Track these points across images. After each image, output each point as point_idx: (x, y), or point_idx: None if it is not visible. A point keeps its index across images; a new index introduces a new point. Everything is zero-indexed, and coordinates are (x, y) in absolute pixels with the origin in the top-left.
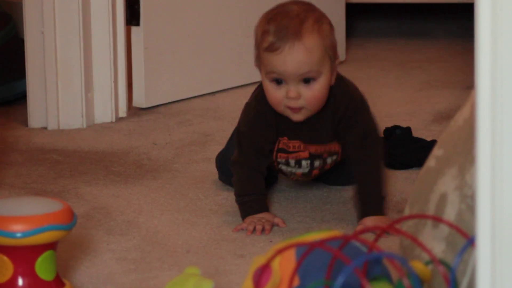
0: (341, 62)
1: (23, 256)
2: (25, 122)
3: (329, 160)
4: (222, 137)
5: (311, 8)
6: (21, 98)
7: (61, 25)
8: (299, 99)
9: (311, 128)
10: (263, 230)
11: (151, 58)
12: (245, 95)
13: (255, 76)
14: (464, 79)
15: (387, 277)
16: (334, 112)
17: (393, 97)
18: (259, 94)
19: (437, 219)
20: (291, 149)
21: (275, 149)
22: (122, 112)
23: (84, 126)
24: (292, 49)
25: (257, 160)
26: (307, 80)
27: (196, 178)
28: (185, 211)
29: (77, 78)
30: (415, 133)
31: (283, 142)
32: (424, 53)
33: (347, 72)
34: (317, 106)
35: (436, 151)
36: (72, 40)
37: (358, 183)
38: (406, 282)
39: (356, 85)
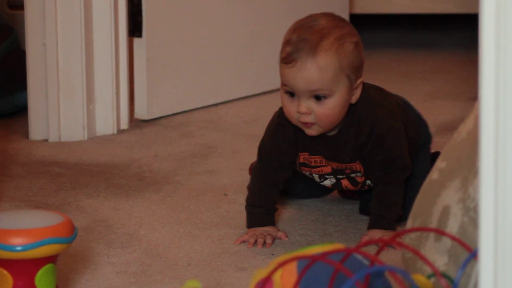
0: None
1: (23, 269)
2: (26, 134)
3: (353, 175)
4: (224, 149)
5: (339, 24)
6: (22, 110)
7: (63, 36)
8: (310, 114)
9: (332, 145)
10: (264, 243)
11: (153, 70)
12: (248, 107)
13: (258, 87)
14: (468, 90)
15: None
16: (357, 133)
17: None
18: (282, 109)
19: (440, 232)
20: (312, 164)
21: (297, 162)
22: (124, 124)
23: (86, 138)
24: (304, 65)
25: (274, 172)
26: (318, 97)
27: (198, 191)
28: (187, 224)
29: (78, 90)
30: None
31: (304, 157)
32: (428, 64)
33: None
34: (329, 124)
35: (439, 163)
36: (74, 51)
37: (376, 198)
38: None
39: (390, 104)
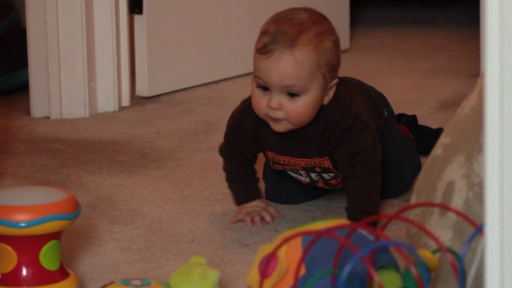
0: (346, 50)
1: (27, 246)
2: (27, 112)
3: (326, 176)
4: (225, 125)
5: (320, 20)
6: (23, 87)
7: (64, 14)
8: (280, 110)
9: (298, 142)
10: (263, 219)
11: (154, 47)
12: (249, 84)
13: None
14: (469, 67)
15: (394, 265)
16: (324, 128)
17: (398, 85)
18: (247, 102)
19: (445, 207)
20: (282, 162)
21: (270, 159)
22: (125, 101)
23: (87, 115)
24: (280, 57)
25: (240, 157)
26: (291, 94)
27: (200, 167)
28: (190, 200)
29: (79, 67)
30: (421, 121)
31: (272, 155)
32: (429, 41)
33: (351, 60)
34: (299, 122)
35: (443, 139)
36: (74, 29)
37: (347, 193)
38: (413, 270)
39: (355, 96)
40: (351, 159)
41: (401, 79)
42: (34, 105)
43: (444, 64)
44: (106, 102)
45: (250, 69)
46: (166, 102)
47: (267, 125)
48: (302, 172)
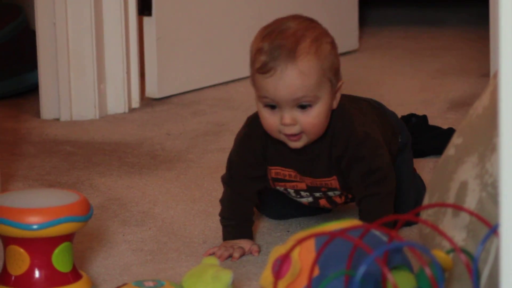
0: (355, 51)
1: (40, 248)
2: (37, 114)
3: (331, 194)
4: (236, 127)
5: (311, 25)
6: (33, 89)
7: (73, 16)
8: (295, 125)
9: (304, 158)
10: (230, 256)
11: (164, 48)
12: None
13: None
14: (478, 66)
15: (407, 266)
16: (331, 146)
17: (407, 85)
18: (251, 117)
19: (458, 208)
20: (287, 178)
21: (270, 178)
22: (135, 103)
23: (97, 117)
24: (285, 72)
25: (244, 185)
26: (303, 106)
27: (211, 168)
28: (201, 202)
29: (89, 69)
30: (431, 121)
31: (276, 171)
32: (438, 41)
33: (360, 61)
34: (316, 133)
35: (456, 140)
36: (84, 31)
37: (361, 214)
38: (428, 271)
39: (364, 113)
40: (367, 178)
41: (410, 79)
42: (44, 107)
43: (453, 64)
44: (116, 104)
45: None
46: (176, 104)
47: (274, 141)
48: (303, 193)
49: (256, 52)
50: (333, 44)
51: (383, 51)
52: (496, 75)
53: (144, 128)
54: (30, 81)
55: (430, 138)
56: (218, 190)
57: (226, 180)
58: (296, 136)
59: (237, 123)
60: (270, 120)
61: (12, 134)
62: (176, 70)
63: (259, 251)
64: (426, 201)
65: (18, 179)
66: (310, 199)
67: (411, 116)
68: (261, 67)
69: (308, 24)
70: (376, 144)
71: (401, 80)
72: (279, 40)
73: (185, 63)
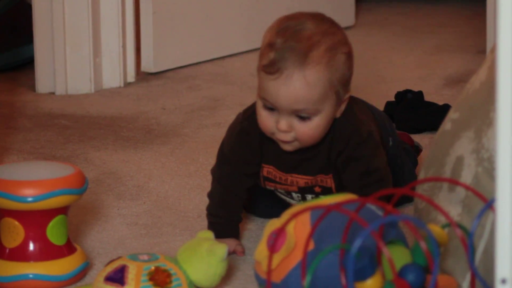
0: (351, 27)
1: (34, 220)
2: (32, 87)
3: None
4: (231, 102)
5: (330, 30)
6: (28, 63)
7: None
8: (290, 132)
9: (300, 158)
10: None
11: (160, 23)
12: (254, 60)
13: None
14: (475, 43)
15: (402, 241)
16: (331, 144)
17: (404, 61)
18: (249, 112)
19: (454, 182)
20: (277, 180)
21: (261, 175)
22: (131, 77)
23: (92, 91)
24: (290, 79)
25: (234, 181)
26: (301, 117)
27: (206, 143)
28: (196, 176)
29: (85, 43)
30: (427, 98)
31: (268, 170)
32: (435, 18)
33: (357, 37)
34: (309, 142)
35: (452, 114)
36: (80, 4)
37: None
38: (423, 245)
39: (365, 113)
40: (362, 179)
41: (407, 56)
42: (39, 80)
43: (450, 40)
44: (112, 78)
45: (256, 45)
46: (171, 78)
47: (272, 140)
48: (295, 195)
49: (266, 45)
50: (349, 55)
51: (379, 27)
52: (493, 50)
53: (139, 103)
54: (26, 54)
55: (426, 114)
56: (212, 164)
57: (217, 175)
58: (289, 141)
59: (233, 98)
60: (266, 120)
61: (7, 108)
62: (172, 45)
63: (243, 252)
64: (421, 176)
65: (13, 152)
66: (299, 201)
67: (407, 92)
68: (267, 66)
69: (327, 29)
70: (377, 144)
71: (397, 57)
72: (292, 42)
73: (181, 38)
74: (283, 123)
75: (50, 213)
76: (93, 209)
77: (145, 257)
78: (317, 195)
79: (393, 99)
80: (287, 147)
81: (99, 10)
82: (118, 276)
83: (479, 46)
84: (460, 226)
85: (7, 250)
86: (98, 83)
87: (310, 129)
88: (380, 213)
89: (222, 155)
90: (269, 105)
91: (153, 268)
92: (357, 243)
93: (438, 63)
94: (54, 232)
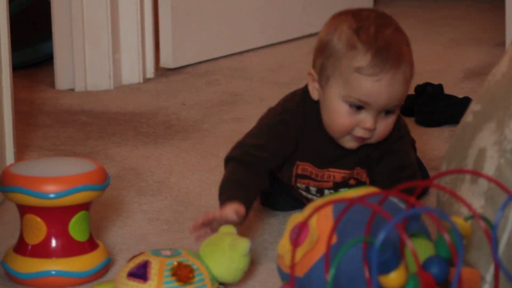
0: None
1: (57, 217)
2: (52, 84)
3: None
4: (250, 96)
5: (398, 26)
6: (48, 59)
7: None
8: (374, 131)
9: (341, 153)
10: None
11: (178, 18)
12: (273, 55)
13: (282, 35)
14: (493, 36)
15: (425, 233)
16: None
17: (422, 54)
18: (288, 103)
19: (477, 174)
20: (313, 176)
21: (293, 174)
22: (150, 73)
23: (112, 87)
24: (393, 79)
25: (260, 166)
26: (388, 112)
27: (226, 138)
28: (216, 171)
29: (104, 39)
30: (446, 91)
31: (304, 168)
32: (453, 11)
33: None
34: (385, 136)
35: (474, 106)
36: (98, 0)
37: None
38: (447, 237)
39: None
40: (396, 173)
41: (425, 49)
42: (58, 77)
43: (468, 33)
44: (131, 74)
45: (274, 40)
46: (190, 73)
47: (313, 134)
48: (326, 192)
49: (349, 46)
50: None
51: (397, 20)
52: None
53: (158, 98)
54: (45, 51)
55: (446, 107)
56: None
57: (235, 153)
58: (367, 138)
59: (252, 93)
60: (347, 119)
61: (27, 105)
62: (191, 40)
63: (244, 215)
64: (443, 168)
65: (33, 149)
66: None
67: (427, 85)
68: (365, 68)
69: (396, 24)
70: (410, 141)
71: (415, 50)
72: (381, 41)
73: (199, 33)
74: (372, 121)
75: (72, 209)
76: (114, 205)
77: (168, 253)
78: (349, 187)
79: (412, 92)
80: (354, 145)
81: (118, 6)
82: (141, 271)
83: (497, 39)
84: (483, 218)
85: (30, 247)
86: (117, 79)
87: (389, 124)
88: (402, 205)
89: (250, 144)
90: (360, 104)
91: (175, 263)
92: (381, 236)
93: (457, 56)
94: (76, 228)
